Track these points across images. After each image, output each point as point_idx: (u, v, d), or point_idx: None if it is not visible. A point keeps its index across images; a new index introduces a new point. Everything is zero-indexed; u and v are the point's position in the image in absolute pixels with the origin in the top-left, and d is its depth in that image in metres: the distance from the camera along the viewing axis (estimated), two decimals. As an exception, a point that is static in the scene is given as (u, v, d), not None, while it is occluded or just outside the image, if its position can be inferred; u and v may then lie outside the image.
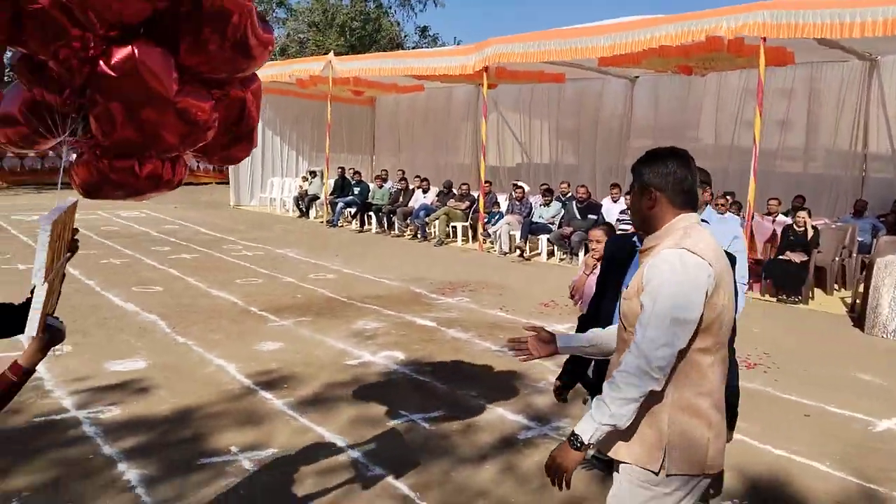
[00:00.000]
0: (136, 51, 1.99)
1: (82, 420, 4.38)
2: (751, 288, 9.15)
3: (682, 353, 1.91)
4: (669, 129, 14.72)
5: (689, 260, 1.89)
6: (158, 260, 10.47)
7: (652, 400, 1.95)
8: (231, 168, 20.35)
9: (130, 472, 3.71)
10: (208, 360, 5.65)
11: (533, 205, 12.62)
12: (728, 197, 10.33)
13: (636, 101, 15.19)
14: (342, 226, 15.61)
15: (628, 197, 11.21)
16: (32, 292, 1.98)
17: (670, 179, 2.02)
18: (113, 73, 1.98)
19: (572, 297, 4.55)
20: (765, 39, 8.36)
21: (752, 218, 9.10)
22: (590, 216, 11.39)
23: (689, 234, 1.96)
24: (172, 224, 15.33)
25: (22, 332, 2.04)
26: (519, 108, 17.08)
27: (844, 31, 7.69)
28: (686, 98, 14.07)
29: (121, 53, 1.98)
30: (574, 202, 11.82)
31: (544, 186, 13.11)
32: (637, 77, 14.65)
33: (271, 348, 6.05)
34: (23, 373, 1.99)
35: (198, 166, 30.32)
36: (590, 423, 1.94)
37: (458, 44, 31.68)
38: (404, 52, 21.28)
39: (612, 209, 11.80)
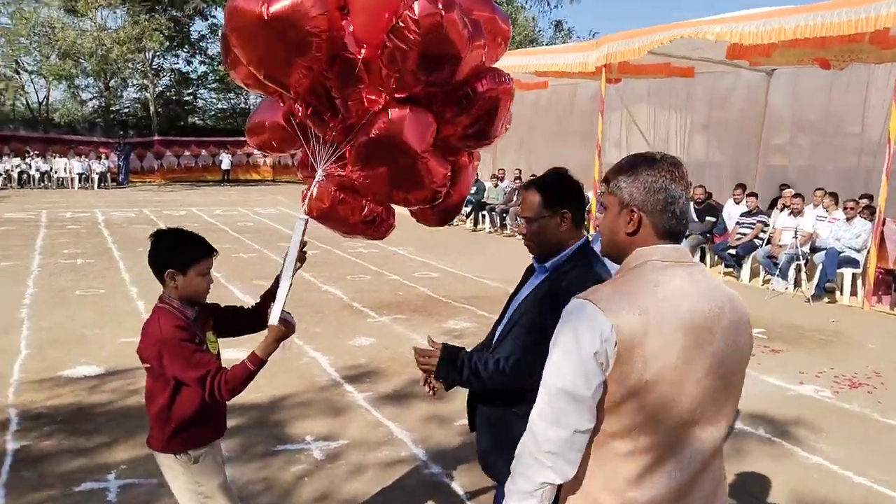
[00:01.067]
0: (408, 112, 2.32)
1: (185, 403, 4.86)
2: (879, 300, 8.44)
3: (595, 430, 1.50)
4: (810, 124, 13.74)
5: (585, 316, 1.45)
6: (282, 255, 11.17)
7: (569, 484, 1.55)
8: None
9: (215, 454, 4.10)
10: (304, 352, 6.05)
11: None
12: (864, 200, 9.57)
13: (772, 95, 14.29)
14: (457, 224, 15.90)
15: (750, 200, 10.78)
16: (266, 293, 2.59)
17: (660, 198, 1.54)
18: (384, 126, 2.30)
19: None
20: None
21: (884, 223, 8.37)
22: (708, 218, 10.92)
23: (619, 280, 1.55)
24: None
25: (250, 332, 2.66)
26: (647, 101, 16.55)
27: None
28: (829, 90, 13.04)
29: (397, 113, 2.30)
30: (692, 203, 11.36)
31: None
32: (774, 70, 13.78)
33: (363, 343, 6.37)
34: (259, 362, 2.34)
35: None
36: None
37: (593, 37, 31.17)
38: (524, 50, 21.25)
39: (734, 211, 11.22)
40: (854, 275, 8.86)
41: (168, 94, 33.29)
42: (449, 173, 2.50)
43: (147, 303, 7.67)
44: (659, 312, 1.45)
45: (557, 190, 2.30)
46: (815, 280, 8.95)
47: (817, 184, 11.31)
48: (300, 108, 2.46)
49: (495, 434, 2.31)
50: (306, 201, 2.49)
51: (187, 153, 29.20)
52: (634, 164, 1.59)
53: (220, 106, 37.22)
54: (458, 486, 3.78)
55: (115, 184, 26.26)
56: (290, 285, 2.43)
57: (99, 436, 4.28)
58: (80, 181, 25.33)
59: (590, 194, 13.57)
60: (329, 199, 2.50)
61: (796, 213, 9.84)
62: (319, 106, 2.44)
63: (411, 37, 2.06)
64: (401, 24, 2.05)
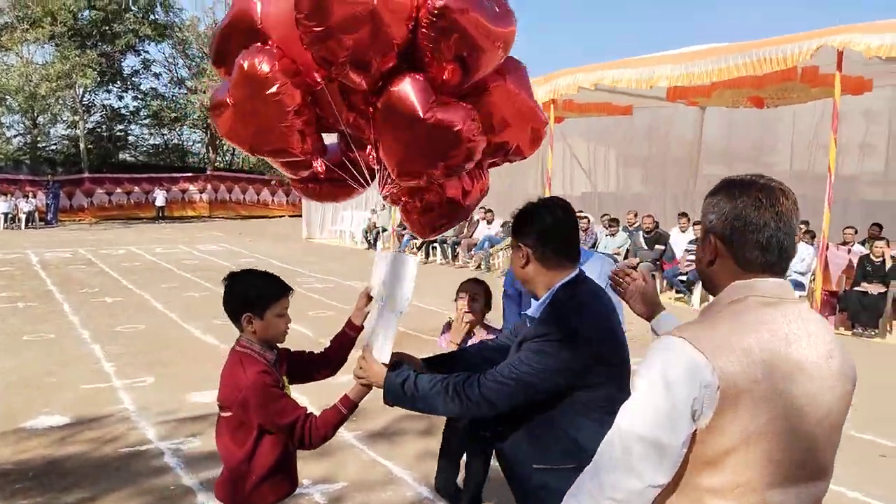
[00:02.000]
0: (394, 87, 2.08)
1: (164, 451, 4.63)
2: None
3: (685, 487, 1.34)
4: (743, 155, 14.46)
5: (680, 356, 1.29)
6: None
7: None
8: (304, 201, 21.07)
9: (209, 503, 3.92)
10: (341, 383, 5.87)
11: (598, 235, 12.56)
12: (802, 225, 10.07)
13: (707, 127, 14.99)
14: (409, 257, 15.87)
15: (696, 228, 11.19)
16: (338, 338, 2.48)
17: (738, 225, 1.39)
18: (381, 113, 2.13)
19: None
20: (840, 68, 8.16)
21: (827, 248, 8.83)
22: (657, 247, 11.26)
23: (717, 316, 1.37)
24: (249, 257, 15.94)
25: (322, 378, 2.51)
26: (586, 136, 17.08)
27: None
28: (760, 122, 13.79)
29: (385, 97, 2.09)
30: (640, 232, 11.72)
31: (606, 217, 13.03)
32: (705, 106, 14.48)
33: (343, 381, 6.22)
34: (352, 405, 2.21)
35: (272, 200, 31.50)
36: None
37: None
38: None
39: (681, 239, 11.63)
40: (801, 297, 9.28)
41: (99, 130, 32.25)
42: (470, 116, 2.13)
43: (103, 346, 7.34)
44: (766, 355, 1.29)
45: (520, 220, 2.08)
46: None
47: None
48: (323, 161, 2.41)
49: (517, 483, 2.12)
50: (408, 227, 2.49)
51: (119, 190, 28.27)
52: (719, 189, 1.46)
53: (152, 142, 36.31)
54: (468, 524, 3.72)
55: (42, 223, 25.11)
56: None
57: (77, 492, 4.02)
58: (5, 221, 24.11)
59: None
60: (413, 211, 2.46)
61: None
62: (342, 141, 2.43)
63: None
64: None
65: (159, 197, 28.27)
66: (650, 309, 1.98)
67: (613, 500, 1.34)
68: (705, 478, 1.31)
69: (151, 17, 29.93)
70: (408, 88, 2.02)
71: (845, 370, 1.39)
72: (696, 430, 1.29)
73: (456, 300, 3.58)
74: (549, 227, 2.05)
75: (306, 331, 8.24)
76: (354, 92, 2.17)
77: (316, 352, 2.57)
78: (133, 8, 28.89)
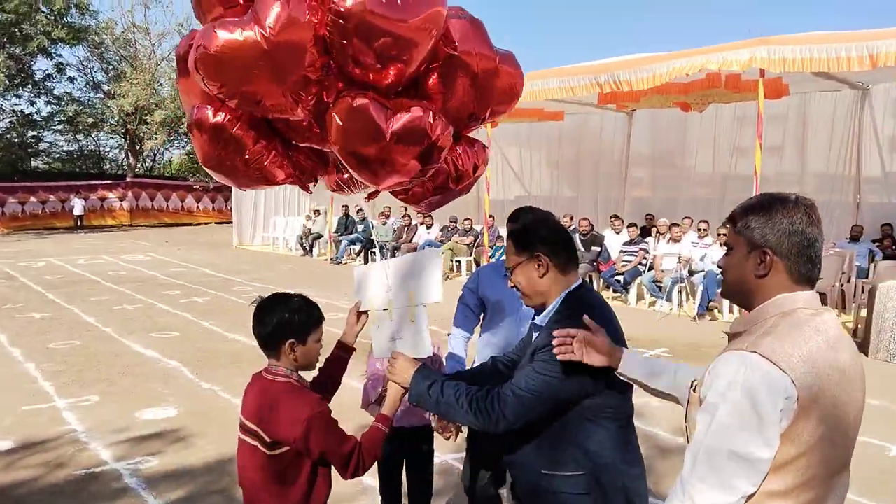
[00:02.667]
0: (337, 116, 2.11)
1: (122, 472, 4.49)
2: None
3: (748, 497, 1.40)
4: (667, 158, 15.07)
5: (759, 372, 1.35)
6: (171, 304, 10.60)
7: None
8: (234, 207, 20.61)
9: (178, 523, 3.84)
10: (236, 405, 5.76)
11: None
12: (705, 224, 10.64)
13: (634, 132, 15.54)
14: (346, 263, 15.79)
15: (631, 229, 11.60)
16: (328, 365, 2.41)
17: (796, 240, 1.47)
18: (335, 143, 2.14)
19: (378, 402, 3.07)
20: (763, 73, 8.65)
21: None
22: (593, 248, 11.59)
23: (778, 329, 1.42)
24: (178, 266, 15.47)
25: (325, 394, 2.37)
26: (517, 142, 17.39)
27: (840, 65, 7.99)
28: (683, 127, 14.40)
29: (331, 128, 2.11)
30: (577, 234, 12.04)
31: None
32: (634, 110, 15.00)
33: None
34: (389, 422, 2.16)
35: (197, 207, 30.62)
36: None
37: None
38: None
39: (615, 241, 12.01)
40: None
41: (8, 136, 30.52)
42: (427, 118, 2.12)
43: (38, 364, 7.01)
44: (826, 364, 1.38)
45: (528, 232, 2.08)
46: (698, 300, 9.76)
47: (677, 213, 12.41)
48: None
49: (531, 497, 2.14)
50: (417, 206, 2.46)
51: (33, 199, 26.85)
52: (767, 204, 1.51)
53: (67, 148, 34.65)
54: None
55: (-51, 235, 23.63)
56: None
57: (35, 517, 3.87)
58: None
59: (478, 227, 14.02)
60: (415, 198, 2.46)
61: (675, 240, 10.70)
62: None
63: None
64: None
65: (77, 205, 26.99)
66: (610, 357, 1.89)
67: (720, 489, 1.37)
68: (768, 482, 1.37)
69: (65, 19, 28.52)
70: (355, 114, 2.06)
71: (863, 371, 1.52)
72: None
73: None
74: (559, 234, 2.10)
75: (251, 341, 8.04)
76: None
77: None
78: (45, 10, 27.49)
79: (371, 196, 2.62)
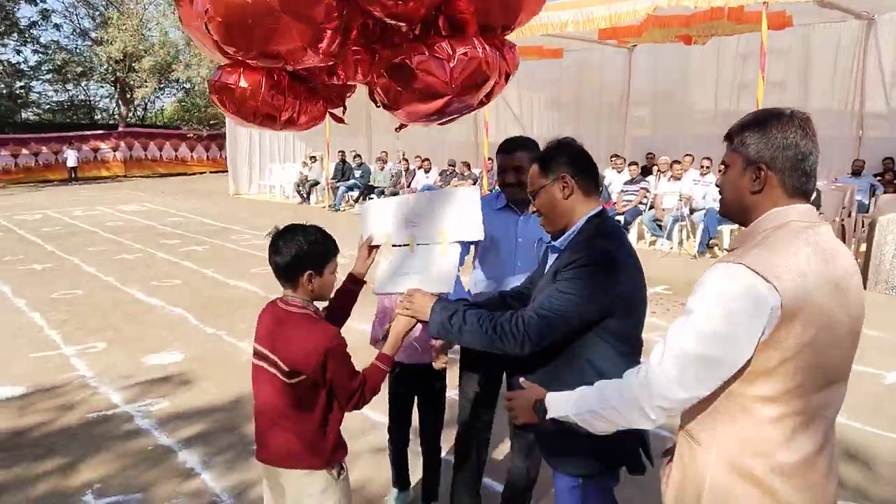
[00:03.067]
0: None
1: (134, 414, 4.55)
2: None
3: (731, 395, 1.47)
4: (668, 96, 14.86)
5: (741, 283, 1.39)
6: (171, 253, 10.60)
7: (687, 445, 1.56)
8: (229, 155, 20.42)
9: (192, 460, 3.90)
10: (241, 349, 5.82)
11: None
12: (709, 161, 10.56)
13: (634, 70, 15.27)
14: (344, 209, 15.73)
15: (632, 168, 11.53)
16: (338, 296, 2.38)
17: (790, 154, 1.48)
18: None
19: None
20: (766, 4, 8.45)
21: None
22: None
23: (767, 241, 1.46)
24: (176, 216, 15.41)
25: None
26: (516, 82, 17.06)
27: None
28: (684, 64, 14.16)
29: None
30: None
31: None
32: (635, 46, 14.70)
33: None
34: (390, 361, 2.18)
35: (191, 156, 30.35)
36: (563, 407, 1.73)
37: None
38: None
39: (616, 180, 11.94)
40: (732, 231, 9.76)
41: (-4, 87, 29.99)
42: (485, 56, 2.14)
43: (43, 314, 7.04)
44: (816, 274, 1.41)
45: (553, 153, 2.11)
46: (699, 238, 9.77)
47: (679, 151, 12.28)
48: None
49: (543, 430, 2.09)
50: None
51: (26, 151, 26.48)
52: (763, 120, 1.52)
53: (56, 98, 34.09)
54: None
55: (-58, 189, 23.43)
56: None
57: (54, 458, 3.93)
58: None
59: (477, 171, 13.93)
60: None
61: (676, 178, 10.64)
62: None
63: None
64: None
65: (70, 157, 26.67)
66: (534, 416, 1.84)
67: (661, 408, 1.50)
68: (757, 387, 1.44)
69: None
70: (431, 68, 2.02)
71: (860, 282, 1.54)
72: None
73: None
74: (583, 156, 2.11)
75: (253, 287, 8.14)
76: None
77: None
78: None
79: (400, 128, 2.57)
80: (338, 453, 2.21)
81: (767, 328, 1.39)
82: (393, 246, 2.38)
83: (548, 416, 1.76)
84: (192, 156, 30.62)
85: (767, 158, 1.49)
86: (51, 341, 6.18)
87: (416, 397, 3.30)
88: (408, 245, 2.32)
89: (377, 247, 2.44)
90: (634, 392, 1.54)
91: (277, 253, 2.16)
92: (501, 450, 3.93)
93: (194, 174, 29.66)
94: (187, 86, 32.34)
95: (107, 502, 3.46)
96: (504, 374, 2.99)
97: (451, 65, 2.01)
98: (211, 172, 29.35)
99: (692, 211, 10.22)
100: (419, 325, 2.26)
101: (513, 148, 2.86)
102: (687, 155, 11.65)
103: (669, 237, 10.21)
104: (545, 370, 2.04)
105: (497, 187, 3.12)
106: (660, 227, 10.38)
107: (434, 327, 2.06)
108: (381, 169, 15.83)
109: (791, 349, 1.40)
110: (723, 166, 1.61)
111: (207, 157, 30.71)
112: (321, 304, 2.36)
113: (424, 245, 2.26)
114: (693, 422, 1.55)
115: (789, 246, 1.43)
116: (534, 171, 2.13)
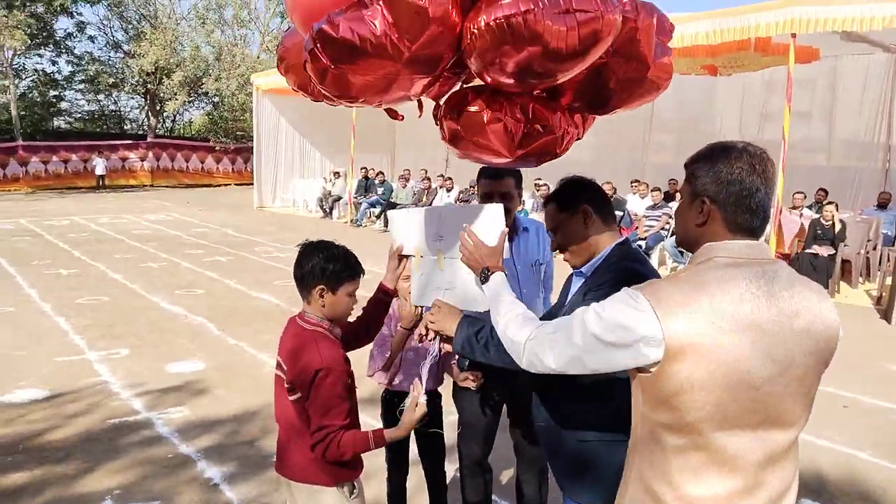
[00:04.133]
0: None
1: (155, 421, 4.61)
2: (780, 282, 9.31)
3: (644, 419, 1.50)
4: (693, 124, 14.85)
5: (630, 308, 1.42)
6: (195, 263, 10.73)
7: (628, 457, 1.61)
8: (255, 169, 20.66)
9: (211, 470, 3.94)
10: (262, 361, 5.88)
11: (536, 204, 12.76)
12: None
13: (659, 97, 15.26)
14: (366, 225, 15.84)
15: (654, 194, 11.52)
16: (371, 305, 2.40)
17: (734, 189, 1.47)
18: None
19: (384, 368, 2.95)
20: (794, 36, 8.46)
21: (781, 212, 9.23)
22: (616, 212, 11.52)
23: (681, 275, 1.48)
24: (201, 227, 15.61)
25: (359, 343, 2.40)
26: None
27: (875, 24, 7.80)
28: (710, 92, 14.18)
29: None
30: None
31: (540, 180, 13.12)
32: (658, 73, 14.73)
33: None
34: (381, 442, 2.13)
35: (217, 168, 30.75)
36: (496, 290, 1.86)
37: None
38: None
39: (639, 205, 11.93)
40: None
41: (31, 95, 30.64)
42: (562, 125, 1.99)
43: (68, 319, 7.16)
44: (716, 314, 1.37)
45: (569, 190, 2.14)
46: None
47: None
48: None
49: (563, 461, 2.15)
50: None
51: (56, 159, 26.98)
52: (711, 153, 1.51)
53: (87, 108, 34.76)
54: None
55: (-26, 194, 23.92)
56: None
57: (74, 462, 3.99)
58: (-67, 191, 22.92)
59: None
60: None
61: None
62: None
63: None
64: None
65: (99, 165, 27.16)
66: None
67: (528, 363, 1.62)
68: (659, 414, 1.45)
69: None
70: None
71: (815, 328, 1.45)
72: (650, 370, 1.42)
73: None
74: (599, 189, 2.16)
75: (275, 299, 8.21)
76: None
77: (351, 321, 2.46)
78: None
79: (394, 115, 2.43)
80: (349, 472, 2.19)
81: (652, 357, 1.39)
82: (422, 258, 2.34)
83: (484, 285, 1.89)
84: (217, 168, 31.00)
85: (712, 193, 1.48)
86: (75, 346, 6.28)
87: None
88: (436, 259, 2.29)
89: (407, 256, 2.40)
90: (525, 335, 1.64)
91: (298, 264, 2.20)
92: (509, 469, 3.92)
93: (219, 186, 30.01)
94: (216, 99, 32.86)
95: (126, 508, 3.50)
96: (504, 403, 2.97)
97: (523, 133, 1.90)
98: (236, 185, 29.69)
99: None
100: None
101: (500, 174, 2.75)
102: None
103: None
104: (568, 386, 2.02)
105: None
106: (681, 253, 10.33)
107: (459, 343, 2.05)
108: (404, 187, 15.95)
109: (681, 384, 1.39)
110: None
111: (233, 169, 31.07)
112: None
113: (452, 260, 2.22)
114: (630, 439, 1.61)
115: (695, 282, 1.42)
116: (551, 209, 2.16)
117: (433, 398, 3.00)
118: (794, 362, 1.42)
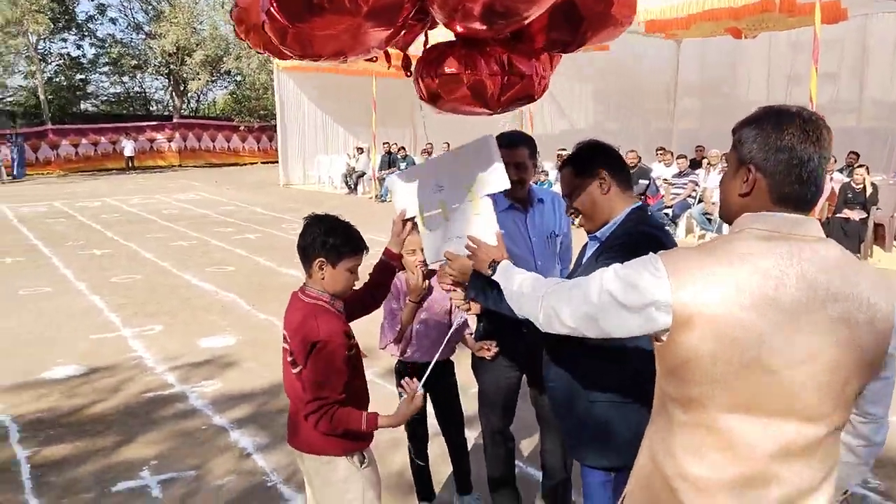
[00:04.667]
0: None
1: (189, 394, 4.75)
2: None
3: (659, 389, 1.48)
4: (717, 88, 14.60)
5: (647, 272, 1.38)
6: (224, 240, 10.90)
7: (647, 427, 1.56)
8: (280, 147, 20.79)
9: (244, 440, 4.06)
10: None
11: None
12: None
13: (682, 61, 15.05)
14: (390, 200, 15.84)
15: (680, 161, 11.38)
16: (377, 271, 2.39)
17: (783, 157, 1.35)
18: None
19: (395, 341, 2.98)
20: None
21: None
22: (641, 181, 11.41)
23: (712, 244, 1.39)
24: (229, 205, 15.80)
25: (368, 310, 2.41)
26: (562, 75, 16.99)
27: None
28: (734, 56, 13.90)
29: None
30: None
31: None
32: (683, 38, 14.46)
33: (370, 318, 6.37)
34: (374, 427, 2.13)
35: (243, 147, 30.99)
36: (508, 277, 1.83)
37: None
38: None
39: (664, 174, 11.80)
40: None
41: (57, 80, 31.10)
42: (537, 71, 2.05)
43: (102, 297, 7.35)
44: (734, 287, 1.29)
45: (585, 154, 2.12)
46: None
47: (727, 144, 11.84)
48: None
49: (573, 421, 2.17)
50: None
51: (85, 141, 27.45)
52: (761, 118, 1.40)
53: (113, 90, 35.21)
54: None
55: (10, 178, 24.45)
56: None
57: (112, 435, 4.14)
58: (-31, 176, 23.51)
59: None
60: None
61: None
62: None
63: None
64: None
65: (128, 147, 27.57)
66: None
67: (545, 317, 1.59)
68: (669, 385, 1.42)
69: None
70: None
71: (857, 318, 1.31)
72: (662, 338, 1.38)
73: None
74: (615, 154, 2.14)
75: (302, 276, 8.30)
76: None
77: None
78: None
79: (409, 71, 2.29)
80: (357, 443, 2.21)
81: (661, 324, 1.36)
82: (426, 216, 2.32)
83: (494, 276, 1.86)
84: (243, 146, 31.26)
85: (759, 160, 1.37)
86: (110, 323, 6.46)
87: (428, 395, 3.04)
88: (440, 211, 2.26)
89: (411, 220, 2.37)
90: (542, 291, 1.63)
91: (301, 235, 2.20)
92: (534, 436, 3.98)
93: (246, 165, 30.28)
94: (238, 78, 33.01)
95: (162, 478, 3.63)
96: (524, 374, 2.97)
97: (501, 85, 1.91)
98: (262, 163, 29.92)
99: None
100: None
101: (514, 143, 2.70)
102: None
103: (719, 231, 10.07)
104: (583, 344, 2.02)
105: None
106: (709, 220, 10.24)
107: (472, 290, 2.03)
108: (426, 160, 15.93)
109: (687, 354, 1.34)
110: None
111: (259, 147, 31.31)
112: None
113: (456, 207, 2.18)
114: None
115: (719, 253, 1.35)
116: (567, 174, 2.14)
117: (444, 367, 3.04)
118: (823, 352, 1.30)
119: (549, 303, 1.59)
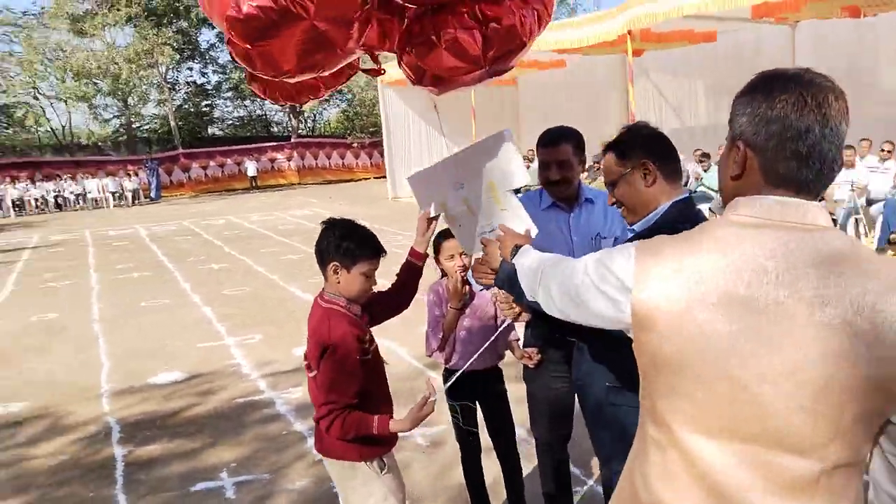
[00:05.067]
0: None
1: (276, 400, 4.93)
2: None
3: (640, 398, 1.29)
4: (839, 75, 13.45)
5: (618, 261, 1.24)
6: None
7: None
8: (387, 161, 21.33)
9: (319, 445, 4.16)
10: (381, 345, 6.07)
11: (689, 173, 12.11)
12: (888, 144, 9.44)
13: (799, 49, 14.08)
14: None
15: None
16: (403, 271, 2.40)
17: (774, 129, 1.14)
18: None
19: (440, 349, 2.92)
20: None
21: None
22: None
23: (689, 232, 1.21)
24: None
25: (397, 311, 2.42)
26: (670, 71, 16.38)
27: None
28: (858, 38, 12.83)
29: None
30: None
31: (699, 151, 12.51)
32: (797, 22, 13.53)
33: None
34: (384, 432, 2.11)
35: (356, 163, 32.09)
36: (528, 258, 1.66)
37: (597, 9, 30.86)
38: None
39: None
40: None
41: (186, 106, 33.62)
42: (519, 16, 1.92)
43: (213, 308, 7.79)
44: (700, 281, 1.11)
45: (631, 140, 1.95)
46: (877, 233, 8.81)
47: (853, 135, 11.07)
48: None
49: (596, 412, 2.12)
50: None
51: (212, 163, 29.47)
52: (753, 86, 1.20)
53: (236, 114, 37.56)
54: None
55: (147, 200, 26.63)
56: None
57: (201, 437, 4.37)
58: (114, 199, 25.80)
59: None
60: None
61: (848, 166, 9.66)
62: None
63: None
64: None
65: (250, 167, 29.31)
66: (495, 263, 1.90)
67: (543, 295, 1.48)
68: (643, 396, 1.26)
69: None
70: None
71: (859, 327, 1.03)
72: (630, 336, 1.25)
73: (440, 259, 2.85)
74: (662, 140, 1.96)
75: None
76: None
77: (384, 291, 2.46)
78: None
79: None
80: (374, 448, 2.18)
81: (620, 315, 1.23)
82: (451, 214, 2.26)
83: (513, 259, 1.71)
84: (356, 163, 32.38)
85: (748, 135, 1.16)
86: (216, 333, 6.84)
87: (478, 406, 3.01)
88: (465, 209, 2.19)
89: (436, 218, 2.33)
90: (543, 264, 1.53)
91: (318, 240, 2.21)
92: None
93: (360, 180, 31.32)
94: (349, 96, 34.27)
95: (238, 480, 3.79)
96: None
97: (482, 37, 1.81)
98: (374, 178, 30.83)
99: (869, 203, 9.23)
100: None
101: (556, 140, 2.60)
102: (864, 139, 10.51)
103: (844, 231, 9.29)
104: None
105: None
106: (833, 221, 9.47)
107: (499, 278, 1.88)
108: (528, 168, 15.77)
109: (649, 360, 1.18)
110: None
111: (371, 163, 32.32)
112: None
113: (481, 204, 2.13)
114: None
115: (692, 241, 1.17)
116: (609, 160, 1.98)
117: (493, 375, 2.97)
118: (807, 365, 1.04)
119: (546, 280, 1.48)
